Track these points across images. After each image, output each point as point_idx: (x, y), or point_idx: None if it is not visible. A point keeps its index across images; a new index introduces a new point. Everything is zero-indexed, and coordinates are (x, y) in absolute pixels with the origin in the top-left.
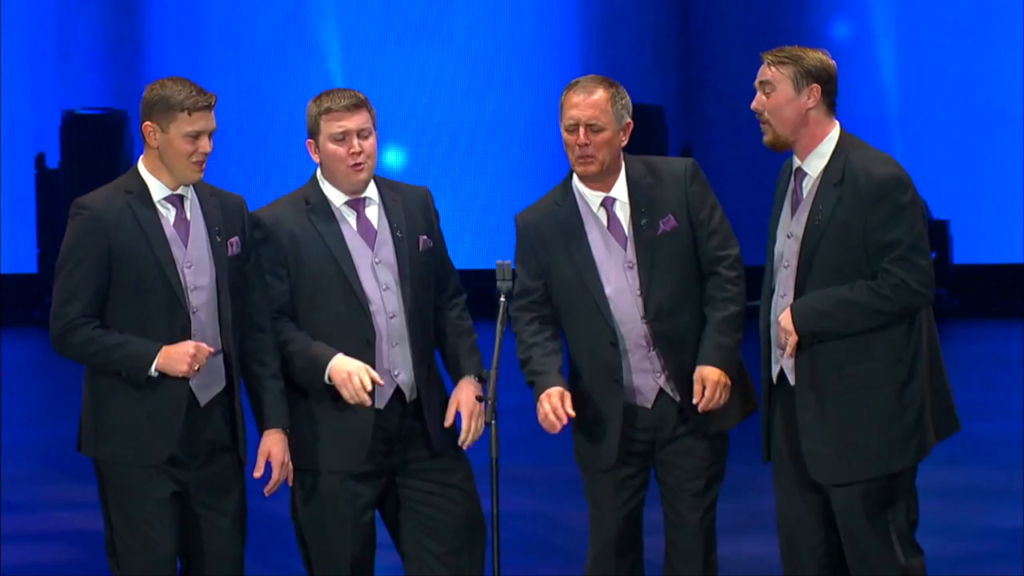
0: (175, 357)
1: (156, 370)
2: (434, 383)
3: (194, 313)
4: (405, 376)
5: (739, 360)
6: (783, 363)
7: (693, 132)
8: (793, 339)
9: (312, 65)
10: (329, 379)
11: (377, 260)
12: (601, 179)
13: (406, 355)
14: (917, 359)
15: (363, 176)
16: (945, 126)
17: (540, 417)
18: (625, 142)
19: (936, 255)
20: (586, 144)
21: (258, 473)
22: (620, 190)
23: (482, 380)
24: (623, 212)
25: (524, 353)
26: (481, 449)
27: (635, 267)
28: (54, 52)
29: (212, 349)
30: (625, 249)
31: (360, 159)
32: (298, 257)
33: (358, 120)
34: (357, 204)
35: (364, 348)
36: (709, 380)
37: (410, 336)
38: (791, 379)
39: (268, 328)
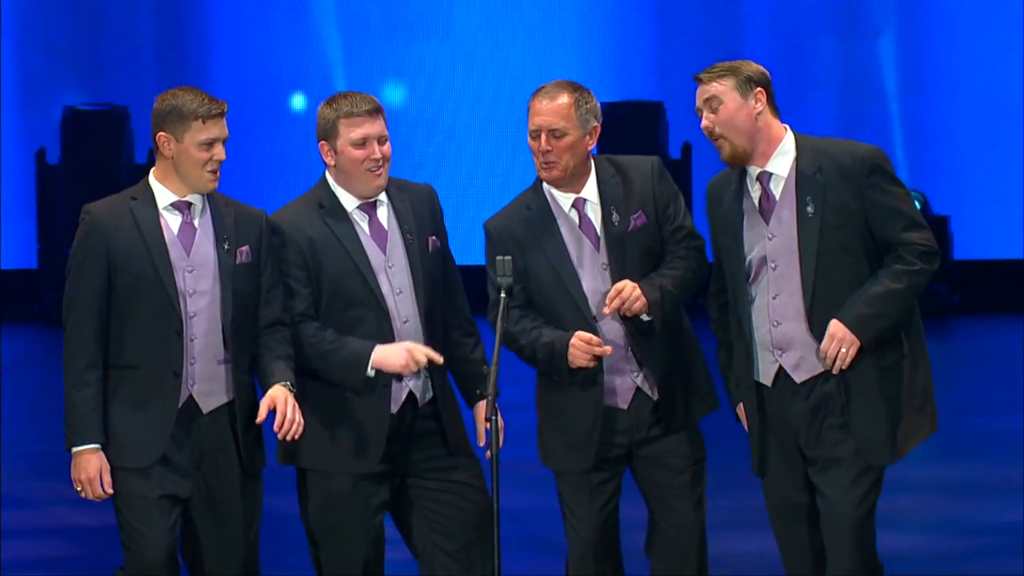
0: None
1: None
2: (447, 382)
3: (192, 318)
4: (418, 380)
5: (661, 298)
6: (782, 360)
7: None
8: (855, 347)
9: (312, 60)
10: (373, 370)
11: (390, 265)
12: (570, 182)
13: None
14: (918, 331)
15: (380, 182)
16: (945, 121)
17: (577, 355)
18: (592, 145)
19: None
20: (548, 150)
21: (259, 420)
22: (591, 191)
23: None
24: (594, 212)
25: (528, 336)
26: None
27: (608, 267)
28: (54, 47)
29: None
30: (598, 249)
31: (379, 165)
32: (316, 260)
33: (378, 126)
34: (369, 207)
35: None
36: (627, 285)
37: (424, 340)
38: (796, 377)
39: (286, 334)
